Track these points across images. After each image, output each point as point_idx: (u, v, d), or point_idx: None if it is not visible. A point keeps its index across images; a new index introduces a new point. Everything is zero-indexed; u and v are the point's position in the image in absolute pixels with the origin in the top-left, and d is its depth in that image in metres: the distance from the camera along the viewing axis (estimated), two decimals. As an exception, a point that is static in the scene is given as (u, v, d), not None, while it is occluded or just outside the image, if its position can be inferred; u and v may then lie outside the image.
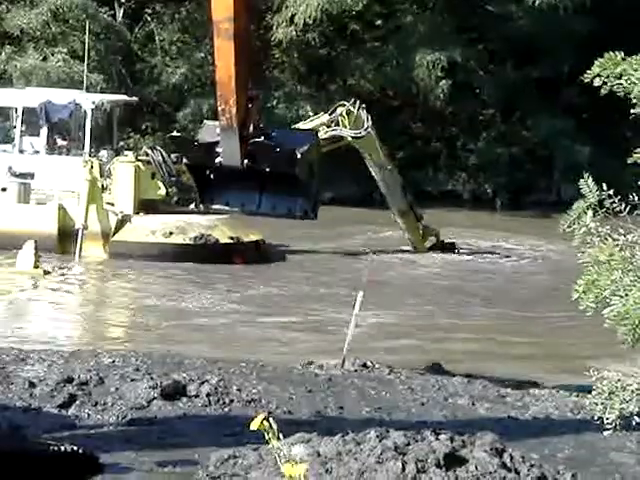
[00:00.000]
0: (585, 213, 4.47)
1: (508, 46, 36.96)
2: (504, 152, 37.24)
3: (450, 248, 24.57)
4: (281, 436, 4.47)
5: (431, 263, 23.79)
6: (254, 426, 4.38)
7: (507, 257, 25.16)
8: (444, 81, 35.48)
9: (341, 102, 22.82)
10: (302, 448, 6.47)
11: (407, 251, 24.61)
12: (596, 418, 4.49)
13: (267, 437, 4.39)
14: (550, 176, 36.98)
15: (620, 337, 4.39)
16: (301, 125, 23.14)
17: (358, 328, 11.91)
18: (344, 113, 22.10)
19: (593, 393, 4.50)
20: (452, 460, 6.52)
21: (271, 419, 4.42)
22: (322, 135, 21.29)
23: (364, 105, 22.68)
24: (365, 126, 22.15)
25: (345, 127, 22.04)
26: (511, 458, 6.63)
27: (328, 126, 22.04)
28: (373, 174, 23.56)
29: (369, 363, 12.09)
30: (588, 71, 4.49)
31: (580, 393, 10.63)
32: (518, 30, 36.64)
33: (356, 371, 11.67)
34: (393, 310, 18.55)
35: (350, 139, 22.32)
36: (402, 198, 23.75)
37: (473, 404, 9.93)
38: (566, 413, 9.93)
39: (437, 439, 6.71)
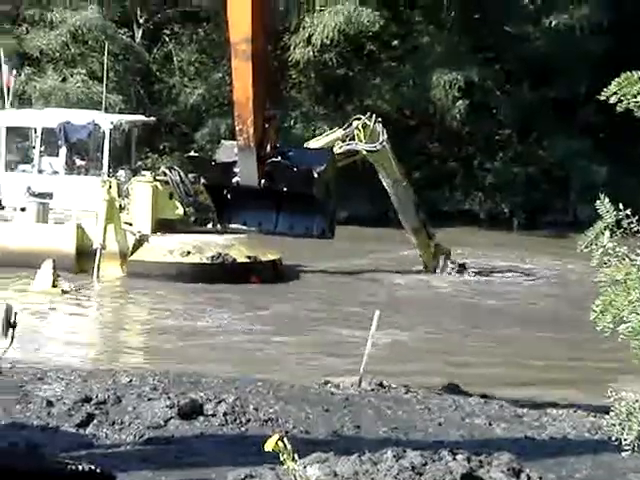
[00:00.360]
0: (602, 233, 4.47)
1: (525, 66, 37.00)
2: (521, 172, 37.22)
3: (460, 269, 24.43)
4: (297, 456, 4.47)
5: (448, 283, 23.76)
6: (269, 447, 4.38)
7: (524, 277, 25.11)
8: (461, 101, 35.53)
9: (357, 116, 22.94)
10: (317, 469, 6.47)
11: (423, 271, 24.59)
12: (614, 439, 4.48)
13: (282, 458, 4.39)
14: (567, 196, 36.92)
15: (632, 352, 4.39)
16: (315, 141, 23.19)
17: (374, 348, 11.90)
18: (360, 126, 22.21)
19: (611, 414, 4.49)
20: (469, 480, 6.51)
21: (286, 439, 4.43)
22: (337, 150, 21.46)
23: (380, 119, 22.78)
24: (380, 139, 22.25)
25: (360, 141, 22.16)
26: (528, 478, 6.61)
27: (343, 141, 22.16)
28: (387, 189, 23.56)
29: (386, 383, 12.08)
30: (605, 90, 4.52)
31: (598, 413, 10.59)
32: (535, 50, 36.68)
33: (373, 390, 11.65)
34: (409, 330, 18.53)
35: (365, 153, 22.42)
36: (415, 215, 23.74)
37: (490, 424, 9.91)
38: (584, 433, 9.89)
39: (454, 459, 6.70)
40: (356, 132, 22.22)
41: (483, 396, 11.91)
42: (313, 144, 22.75)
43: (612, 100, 4.47)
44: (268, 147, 11.24)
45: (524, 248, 29.42)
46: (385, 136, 22.39)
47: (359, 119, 22.53)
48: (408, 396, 11.48)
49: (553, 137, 36.94)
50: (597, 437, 9.59)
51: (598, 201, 4.48)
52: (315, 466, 6.37)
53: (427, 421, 9.87)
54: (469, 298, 22.36)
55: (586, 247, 4.49)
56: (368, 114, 22.86)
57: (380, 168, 23.23)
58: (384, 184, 23.51)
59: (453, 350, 17.08)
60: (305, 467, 6.17)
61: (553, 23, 36.42)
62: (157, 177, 23.49)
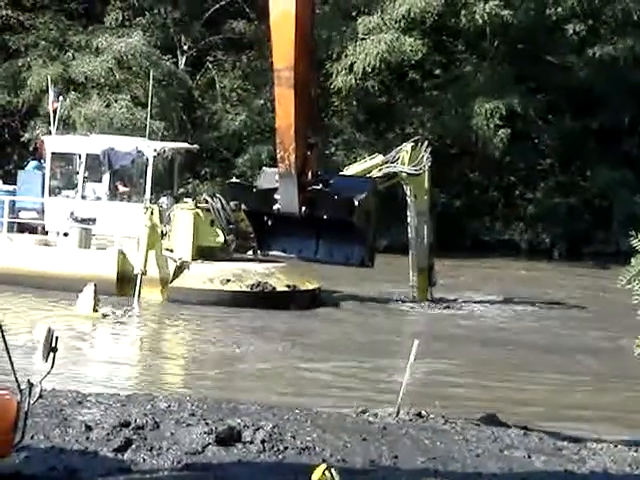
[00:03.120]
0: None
1: (567, 96, 36.87)
2: (562, 202, 37.02)
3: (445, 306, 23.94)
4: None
5: (485, 313, 23.64)
6: (316, 477, 4.37)
7: (560, 308, 24.81)
8: (502, 130, 35.45)
9: (413, 139, 23.11)
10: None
11: (464, 301, 24.48)
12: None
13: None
14: (609, 227, 36.64)
15: None
16: (355, 165, 23.21)
17: (413, 377, 11.85)
18: (409, 149, 22.32)
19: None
20: (507, 513, 6.45)
21: (332, 469, 4.42)
22: (376, 173, 21.61)
23: (430, 147, 22.90)
24: (424, 164, 22.34)
25: (404, 164, 22.28)
26: (567, 512, 6.55)
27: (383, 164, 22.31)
28: (409, 220, 23.43)
29: (424, 412, 12.02)
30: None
31: (639, 448, 10.47)
32: (578, 80, 36.56)
33: (411, 420, 11.60)
34: (448, 360, 18.43)
35: (405, 175, 22.45)
36: (426, 256, 23.58)
37: (529, 456, 9.82)
38: (624, 468, 9.78)
39: (492, 491, 6.64)
40: (403, 154, 22.38)
41: (523, 428, 11.81)
42: (353, 168, 22.84)
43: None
44: (309, 174, 11.27)
45: (563, 278, 29.22)
46: (429, 163, 22.49)
47: (415, 142, 22.68)
48: (446, 426, 11.41)
49: (595, 167, 36.74)
50: (638, 472, 9.47)
51: (635, 237, 4.45)
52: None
53: (465, 452, 9.80)
54: (509, 329, 22.20)
55: (628, 283, 4.46)
56: (418, 137, 23.09)
57: (412, 197, 23.22)
58: (408, 215, 23.43)
59: (492, 380, 16.96)
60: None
61: (597, 54, 36.27)
62: (199, 204, 23.62)
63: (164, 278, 22.55)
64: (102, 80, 34.73)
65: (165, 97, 34.87)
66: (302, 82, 10.98)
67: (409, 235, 23.76)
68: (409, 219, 23.54)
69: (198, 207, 23.40)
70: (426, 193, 23.30)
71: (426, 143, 22.80)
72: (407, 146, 22.67)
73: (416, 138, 23.36)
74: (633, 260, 4.54)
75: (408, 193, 23.30)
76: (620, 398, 16.05)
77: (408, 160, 22.42)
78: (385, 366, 16.90)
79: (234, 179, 25.25)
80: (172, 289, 22.43)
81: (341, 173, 22.02)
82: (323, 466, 4.41)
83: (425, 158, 22.51)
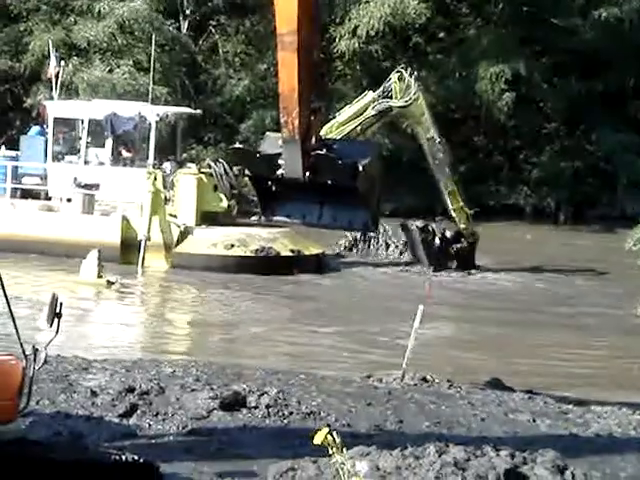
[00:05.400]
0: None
1: (572, 59, 36.64)
2: (567, 166, 36.89)
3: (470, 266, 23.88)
4: (344, 450, 4.46)
5: (493, 278, 23.62)
6: (318, 440, 4.36)
7: (569, 273, 24.81)
8: (507, 94, 35.28)
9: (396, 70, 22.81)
10: (365, 464, 6.45)
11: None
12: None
13: (331, 451, 4.37)
14: (614, 191, 36.55)
15: None
16: (347, 109, 22.84)
17: (418, 341, 11.85)
18: (396, 79, 22.14)
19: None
20: (513, 477, 6.47)
21: (334, 433, 4.40)
22: (370, 112, 21.52)
23: (416, 74, 22.71)
24: (413, 90, 22.14)
25: (397, 98, 22.10)
26: (573, 476, 6.56)
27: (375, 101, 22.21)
28: (423, 148, 23.27)
29: (429, 377, 12.02)
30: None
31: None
32: (583, 43, 36.31)
33: (416, 385, 11.61)
34: (453, 325, 18.44)
35: (399, 108, 22.30)
36: (448, 176, 23.41)
37: (534, 420, 9.83)
38: (629, 431, 9.78)
39: (497, 455, 6.66)
40: (393, 86, 22.17)
41: (528, 392, 11.82)
42: (346, 113, 22.53)
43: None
44: (313, 139, 11.23)
45: (570, 243, 29.19)
46: (417, 87, 22.26)
47: (399, 72, 22.40)
48: (451, 391, 11.42)
49: (600, 131, 36.58)
50: (643, 435, 9.48)
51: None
52: (362, 462, 6.35)
53: (470, 416, 9.81)
54: (517, 294, 22.21)
55: (634, 245, 4.43)
56: (402, 67, 22.92)
57: (416, 125, 23.17)
58: (421, 144, 23.28)
59: (497, 344, 16.98)
60: (354, 462, 6.15)
61: (602, 15, 36.00)
62: (202, 169, 23.57)
63: (168, 244, 22.53)
64: (104, 45, 34.55)
65: (168, 62, 34.67)
66: (306, 46, 10.91)
67: (430, 166, 23.47)
68: (424, 150, 23.33)
69: (201, 172, 23.36)
70: (426, 120, 22.94)
71: (409, 70, 22.56)
72: (394, 76, 22.35)
73: (400, 67, 22.99)
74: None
75: (413, 127, 23.22)
76: (625, 362, 16.06)
77: (399, 91, 22.22)
78: (390, 330, 16.91)
79: (238, 144, 25.14)
80: (176, 255, 22.42)
81: (333, 117, 22.07)
82: (326, 429, 4.40)
83: (413, 85, 22.26)
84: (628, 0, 36.18)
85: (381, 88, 22.46)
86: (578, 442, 9.00)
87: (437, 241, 23.56)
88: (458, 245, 23.75)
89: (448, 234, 23.76)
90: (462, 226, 23.78)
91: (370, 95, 22.62)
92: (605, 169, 36.73)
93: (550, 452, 6.84)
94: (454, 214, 23.74)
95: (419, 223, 23.82)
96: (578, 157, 37.16)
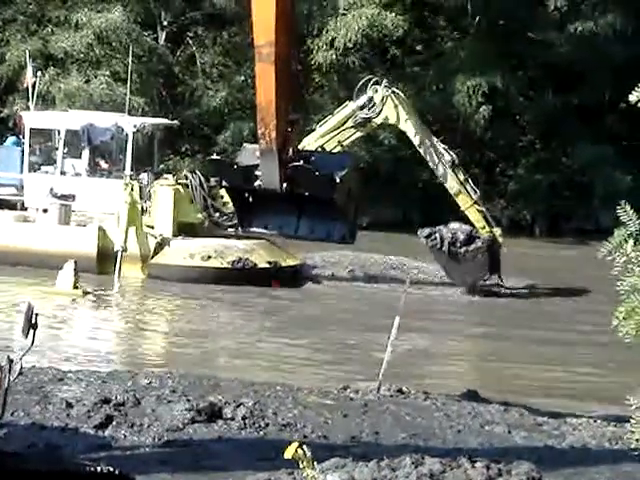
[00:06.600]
0: (626, 241, 4.45)
1: (549, 72, 36.87)
2: (543, 179, 37.06)
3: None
4: (315, 463, 4.45)
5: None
6: (288, 454, 4.35)
7: (547, 286, 24.90)
8: (484, 107, 35.44)
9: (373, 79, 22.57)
10: (337, 476, 6.45)
11: (442, 277, 24.43)
12: (634, 449, 4.45)
13: (301, 466, 4.37)
14: (589, 204, 36.73)
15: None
16: (330, 120, 22.77)
17: (394, 353, 11.87)
18: (374, 90, 21.97)
19: (632, 422, 4.45)
20: (488, 488, 6.48)
21: (305, 447, 4.40)
22: (351, 124, 21.48)
23: (385, 79, 22.58)
24: (382, 100, 21.89)
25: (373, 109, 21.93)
26: (547, 488, 6.57)
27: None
28: (420, 154, 22.63)
29: (405, 389, 12.04)
30: (631, 95, 4.48)
31: (618, 423, 10.52)
32: (559, 57, 36.54)
33: (392, 396, 11.62)
34: (429, 336, 18.47)
35: (378, 120, 22.18)
36: (451, 178, 22.56)
37: (509, 432, 9.86)
38: (603, 443, 9.83)
39: (473, 467, 6.68)
40: (373, 96, 21.86)
41: (503, 403, 11.86)
42: (328, 124, 22.45)
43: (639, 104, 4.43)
44: (290, 151, 11.26)
45: (546, 254, 29.29)
46: (387, 92, 21.91)
47: (374, 82, 22.17)
48: (427, 402, 11.45)
49: (576, 144, 36.78)
50: (617, 447, 9.53)
51: (620, 209, 4.46)
52: (333, 475, 6.35)
53: (446, 428, 9.84)
54: (490, 305, 22.26)
55: (609, 254, 4.47)
56: (374, 78, 22.82)
57: (406, 130, 22.49)
58: (417, 151, 22.69)
59: (472, 356, 17.03)
60: (325, 475, 6.15)
61: (578, 29, 36.27)
62: (179, 180, 23.55)
63: (145, 255, 22.49)
64: (82, 56, 34.48)
65: (145, 73, 34.65)
66: (283, 58, 10.96)
67: (431, 167, 22.98)
68: (420, 153, 22.81)
69: (178, 183, 23.34)
70: (413, 125, 22.39)
71: (385, 81, 22.53)
72: (371, 87, 22.13)
73: (373, 77, 22.87)
74: (616, 231, 4.54)
75: (404, 131, 22.68)
76: (600, 373, 16.13)
77: (379, 102, 22.15)
78: (367, 342, 16.92)
79: (215, 155, 25.13)
80: (153, 266, 22.37)
81: (314, 129, 22.06)
82: (296, 443, 4.39)
83: (382, 94, 22.02)
84: (603, 14, 36.46)
85: (362, 99, 22.34)
86: (553, 454, 9.05)
87: (447, 246, 22.01)
88: (472, 246, 22.11)
89: (461, 236, 22.18)
90: (478, 225, 22.62)
91: (350, 106, 22.61)
92: (581, 182, 36.92)
93: (525, 464, 6.87)
94: (469, 215, 22.80)
95: (426, 231, 22.34)
96: (554, 170, 37.34)
